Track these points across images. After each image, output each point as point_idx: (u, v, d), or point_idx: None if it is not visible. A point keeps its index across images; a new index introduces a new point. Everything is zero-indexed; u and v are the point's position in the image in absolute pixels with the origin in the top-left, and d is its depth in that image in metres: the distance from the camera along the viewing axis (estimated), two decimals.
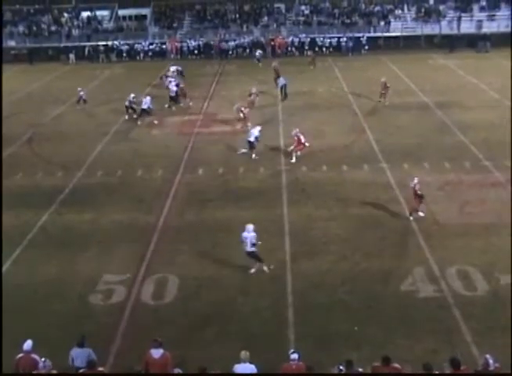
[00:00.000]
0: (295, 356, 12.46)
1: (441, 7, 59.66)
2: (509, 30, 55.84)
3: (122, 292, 17.18)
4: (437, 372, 11.99)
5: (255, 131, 27.14)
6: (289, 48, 57.78)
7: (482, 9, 59.04)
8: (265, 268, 18.08)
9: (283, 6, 62.54)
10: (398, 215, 21.52)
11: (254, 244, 17.64)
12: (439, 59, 51.18)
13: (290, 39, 58.07)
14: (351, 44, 56.51)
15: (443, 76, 44.20)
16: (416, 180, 20.81)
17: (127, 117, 34.90)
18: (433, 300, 16.44)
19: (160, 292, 17.20)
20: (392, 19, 59.47)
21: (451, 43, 55.24)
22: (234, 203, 22.96)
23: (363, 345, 14.54)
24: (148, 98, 35.17)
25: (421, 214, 21.07)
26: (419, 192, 20.69)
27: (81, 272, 18.25)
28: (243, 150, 27.29)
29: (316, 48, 56.97)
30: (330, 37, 58.05)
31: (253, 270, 18.08)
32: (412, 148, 28.02)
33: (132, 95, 35.25)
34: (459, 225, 20.58)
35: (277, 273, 17.94)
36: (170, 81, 38.94)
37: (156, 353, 12.56)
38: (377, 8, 61.32)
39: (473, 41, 55.91)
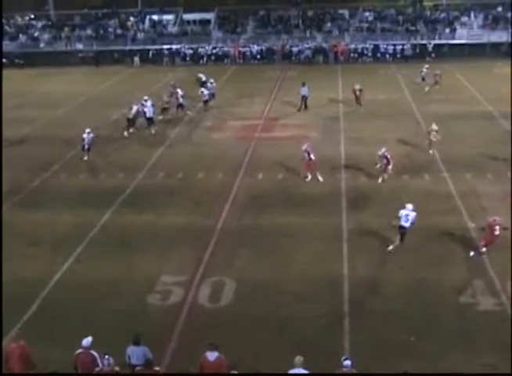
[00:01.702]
0: (348, 362, 12.41)
1: (510, 14, 58.37)
2: None
3: (179, 293, 17.37)
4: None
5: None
6: (351, 55, 57.51)
7: None
8: (391, 247, 19.37)
9: (346, 12, 62.31)
10: (459, 225, 21.16)
11: (412, 223, 19.02)
12: (504, 67, 50.01)
13: (353, 46, 57.84)
14: (415, 51, 56.03)
15: (508, 85, 43.17)
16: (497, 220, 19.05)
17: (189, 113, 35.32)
18: (493, 314, 16.12)
19: (217, 295, 17.31)
20: (458, 27, 58.55)
21: None
22: (293, 208, 22.95)
23: (419, 356, 14.34)
24: (149, 103, 34.07)
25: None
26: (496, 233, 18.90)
27: (140, 273, 18.53)
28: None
29: (379, 55, 56.69)
30: (394, 44, 57.55)
31: (391, 247, 19.40)
32: (474, 158, 27.52)
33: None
34: None
35: (334, 280, 17.86)
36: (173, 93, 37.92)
37: (212, 356, 12.66)
38: (443, 15, 60.48)
39: None
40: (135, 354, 13.11)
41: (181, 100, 36.68)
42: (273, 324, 15.89)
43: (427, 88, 41.89)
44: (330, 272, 18.28)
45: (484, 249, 19.08)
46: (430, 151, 28.49)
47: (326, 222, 21.61)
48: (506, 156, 27.40)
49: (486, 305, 16.45)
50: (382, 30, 59.49)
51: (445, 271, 18.28)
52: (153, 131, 33.22)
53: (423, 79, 44.09)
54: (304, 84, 38.01)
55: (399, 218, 19.23)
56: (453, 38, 57.80)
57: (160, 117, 35.04)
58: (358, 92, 36.58)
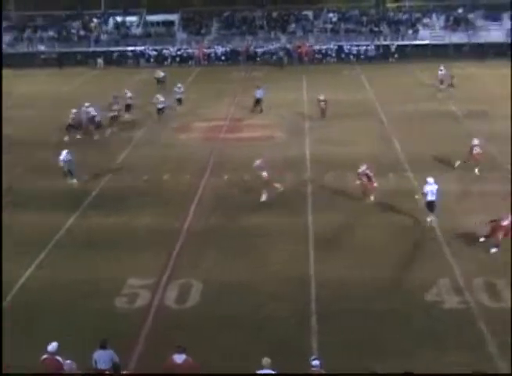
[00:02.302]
0: (316, 362, 12.44)
1: (470, 16, 59.25)
2: None
3: (146, 296, 17.24)
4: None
5: None
6: (316, 56, 57.75)
7: None
8: (430, 219, 21.10)
9: (310, 13, 62.53)
10: (423, 223, 21.37)
11: (435, 195, 20.70)
12: (468, 68, 50.74)
13: (317, 47, 58.11)
14: (379, 51, 56.60)
15: (472, 85, 43.83)
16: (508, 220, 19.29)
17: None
18: (458, 312, 16.29)
19: (184, 297, 17.23)
20: (420, 28, 59.23)
21: (481, 52, 54.81)
22: (259, 209, 22.96)
23: (388, 355, 14.43)
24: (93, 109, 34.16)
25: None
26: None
27: (107, 276, 18.33)
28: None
29: (343, 56, 57.10)
30: (358, 45, 58.01)
31: (429, 219, 21.09)
32: (439, 157, 27.83)
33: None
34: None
35: (302, 280, 17.90)
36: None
37: (179, 358, 12.59)
38: (406, 16, 61.11)
39: (504, 51, 55.32)
40: (102, 358, 12.96)
41: (129, 101, 36.79)
42: (240, 325, 15.86)
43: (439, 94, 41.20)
44: (297, 273, 18.29)
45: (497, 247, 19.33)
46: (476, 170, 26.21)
47: (292, 223, 21.66)
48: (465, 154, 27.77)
49: (451, 304, 16.62)
50: (346, 31, 59.88)
51: (411, 270, 18.46)
52: (96, 137, 33.00)
53: (441, 82, 42.50)
54: (259, 87, 37.95)
55: (425, 195, 20.94)
56: (416, 39, 58.44)
57: (109, 130, 34.45)
58: (322, 104, 35.31)
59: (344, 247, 19.93)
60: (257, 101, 37.53)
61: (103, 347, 13.02)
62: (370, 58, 56.93)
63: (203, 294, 17.32)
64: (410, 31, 59.00)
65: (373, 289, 17.36)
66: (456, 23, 58.84)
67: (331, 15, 62.16)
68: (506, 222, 19.10)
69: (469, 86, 42.92)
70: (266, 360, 12.41)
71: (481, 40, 57.22)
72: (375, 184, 23.37)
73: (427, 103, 38.25)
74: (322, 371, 12.47)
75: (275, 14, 62.79)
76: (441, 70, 43.15)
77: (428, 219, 21.18)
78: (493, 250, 19.25)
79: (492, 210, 21.14)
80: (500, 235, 19.18)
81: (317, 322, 15.90)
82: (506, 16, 58.51)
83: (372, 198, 23.44)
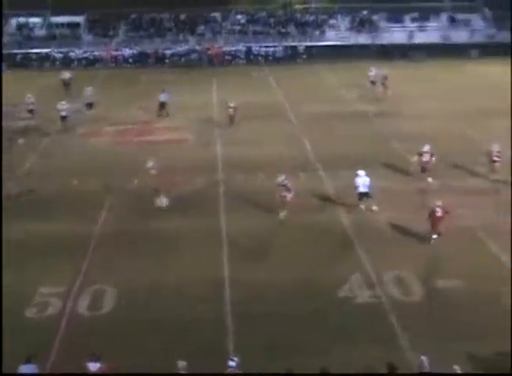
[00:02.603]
0: (232, 363, 12.45)
1: (374, 17, 60.84)
2: (439, 41, 58.54)
3: (58, 304, 16.82)
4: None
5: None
6: (225, 57, 57.83)
7: (414, 19, 60.53)
8: (375, 208, 22.22)
9: (219, 15, 62.53)
10: (335, 221, 21.76)
11: (367, 186, 21.94)
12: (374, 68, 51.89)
13: (227, 48, 58.22)
14: (287, 53, 57.27)
15: (379, 85, 44.89)
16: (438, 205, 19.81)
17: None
18: (369, 306, 16.66)
19: (98, 303, 16.91)
20: (327, 29, 60.30)
21: (386, 52, 56.30)
22: (171, 212, 22.78)
23: (304, 353, 14.59)
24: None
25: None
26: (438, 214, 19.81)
27: (16, 286, 17.76)
28: None
29: (252, 57, 57.40)
30: (266, 47, 58.45)
31: (362, 206, 22.29)
32: (348, 155, 28.33)
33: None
34: (397, 231, 20.98)
35: (216, 283, 17.88)
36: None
37: (93, 367, 12.35)
38: (312, 17, 62.04)
39: (405, 51, 57.18)
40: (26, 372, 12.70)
41: (30, 107, 36.02)
42: (156, 329, 15.68)
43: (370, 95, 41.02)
44: (211, 275, 18.28)
45: (434, 236, 19.93)
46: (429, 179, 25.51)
47: (204, 225, 21.60)
48: (376, 152, 28.50)
49: (363, 298, 16.99)
50: (254, 33, 60.25)
51: (324, 267, 18.72)
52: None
53: (373, 83, 42.16)
54: (163, 91, 37.50)
55: (356, 188, 21.87)
56: (322, 40, 59.42)
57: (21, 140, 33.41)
58: (231, 110, 34.27)
59: (258, 248, 20.03)
60: (162, 105, 37.00)
61: (28, 361, 12.86)
62: (279, 59, 57.50)
63: (117, 300, 17.05)
64: (317, 32, 59.96)
65: (288, 289, 17.53)
66: (360, 25, 60.26)
67: (239, 16, 62.38)
68: (439, 213, 19.74)
69: (377, 86, 44.00)
70: (181, 363, 12.34)
71: (384, 41, 58.89)
72: (289, 196, 22.00)
73: (336, 103, 38.92)
74: (237, 371, 12.48)
75: (183, 16, 62.43)
76: (371, 72, 42.91)
77: (362, 206, 22.38)
78: (434, 237, 19.95)
79: (402, 206, 21.83)
80: (439, 225, 19.83)
81: (233, 323, 15.92)
82: (407, 17, 60.45)
83: (282, 214, 22.17)
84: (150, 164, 24.73)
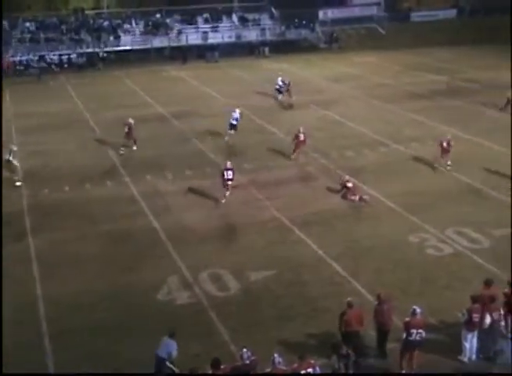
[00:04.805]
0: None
1: (168, 20, 61.19)
2: (232, 40, 60.47)
3: None
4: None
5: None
6: (17, 67, 55.10)
7: (206, 20, 61.76)
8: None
9: (6, 23, 59.03)
10: (147, 226, 21.70)
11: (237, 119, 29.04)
12: (172, 71, 52.33)
13: (18, 58, 55.55)
14: (83, 59, 56.05)
15: (178, 87, 45.40)
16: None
17: None
18: (190, 306, 16.82)
19: None
20: (122, 34, 59.59)
21: (183, 55, 56.87)
22: None
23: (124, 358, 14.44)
24: None
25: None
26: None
27: None
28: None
29: (45, 65, 55.15)
30: (60, 54, 56.62)
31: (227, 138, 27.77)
32: (153, 159, 28.36)
33: None
34: (207, 230, 21.32)
35: (29, 302, 17.13)
36: None
37: None
38: (106, 22, 61.03)
39: (201, 52, 58.24)
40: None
41: None
42: None
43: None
44: (24, 295, 17.53)
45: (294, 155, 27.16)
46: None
47: (10, 246, 20.46)
48: (181, 154, 28.78)
49: (182, 299, 17.17)
50: (46, 40, 57.89)
51: (140, 273, 18.62)
52: None
53: (279, 91, 39.74)
54: None
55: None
56: (118, 45, 58.70)
57: None
58: (126, 129, 30.11)
59: (69, 261, 19.45)
60: None
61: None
62: (75, 66, 55.81)
63: None
64: (112, 38, 59.07)
65: (106, 297, 17.30)
66: (155, 28, 60.26)
67: (28, 24, 59.69)
68: (301, 137, 27.15)
69: (176, 88, 44.52)
70: None
71: (180, 43, 59.48)
72: None
73: (137, 107, 38.54)
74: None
75: None
76: (279, 81, 40.05)
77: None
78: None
79: (206, 202, 22.23)
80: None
81: (50, 342, 15.36)
82: (200, 19, 61.51)
83: None
84: None
